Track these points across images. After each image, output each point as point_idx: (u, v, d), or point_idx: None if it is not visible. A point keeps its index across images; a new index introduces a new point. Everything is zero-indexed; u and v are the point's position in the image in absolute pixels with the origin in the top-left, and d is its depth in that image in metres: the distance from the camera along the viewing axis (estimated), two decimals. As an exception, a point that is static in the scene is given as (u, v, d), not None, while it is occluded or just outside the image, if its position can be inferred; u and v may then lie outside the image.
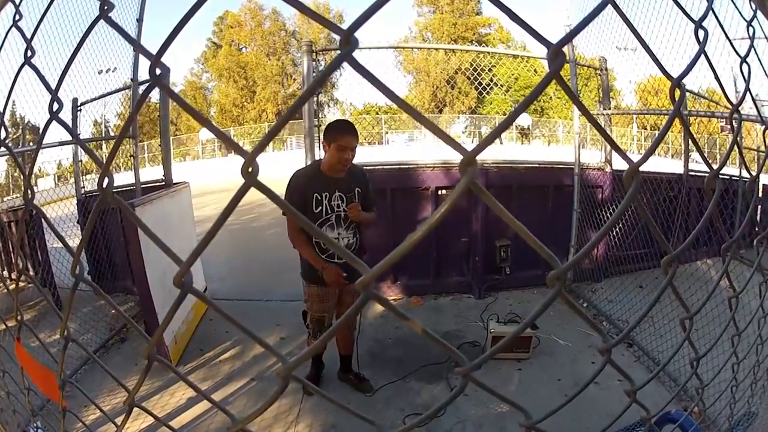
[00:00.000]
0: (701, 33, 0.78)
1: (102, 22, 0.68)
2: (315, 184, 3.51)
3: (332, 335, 0.57)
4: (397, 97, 0.46)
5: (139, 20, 5.38)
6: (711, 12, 0.84)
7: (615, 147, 0.60)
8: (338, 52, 0.45)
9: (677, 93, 0.66)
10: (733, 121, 1.06)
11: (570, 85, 0.52)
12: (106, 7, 0.66)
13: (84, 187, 6.10)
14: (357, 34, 0.44)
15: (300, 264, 3.77)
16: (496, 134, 0.47)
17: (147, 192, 5.37)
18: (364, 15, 0.43)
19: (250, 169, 0.45)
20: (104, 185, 0.61)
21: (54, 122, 0.81)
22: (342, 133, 3.40)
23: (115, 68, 5.61)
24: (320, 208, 3.50)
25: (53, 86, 0.80)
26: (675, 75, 0.68)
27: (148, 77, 0.55)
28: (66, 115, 5.48)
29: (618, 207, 0.62)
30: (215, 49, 38.20)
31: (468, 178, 0.45)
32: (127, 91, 5.73)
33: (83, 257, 5.81)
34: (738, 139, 1.03)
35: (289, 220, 3.49)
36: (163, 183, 5.70)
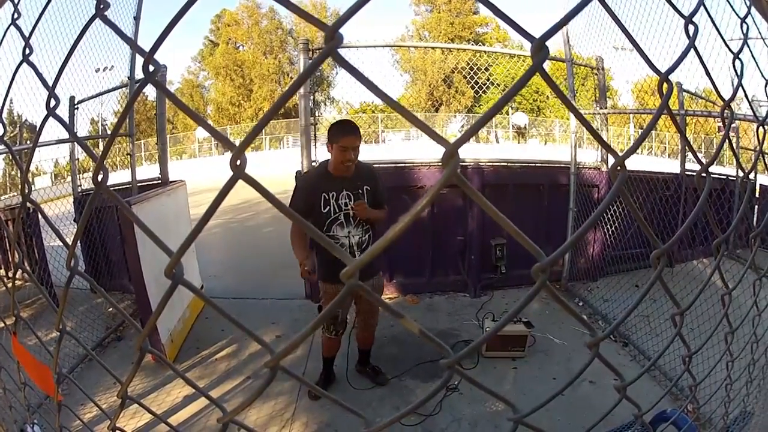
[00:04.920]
0: (691, 28, 0.79)
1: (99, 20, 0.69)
2: (322, 184, 3.57)
3: (320, 324, 0.58)
4: (381, 90, 0.47)
5: (137, 18, 5.39)
6: (702, 8, 0.85)
7: (597, 137, 0.61)
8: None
9: (665, 88, 0.66)
10: (725, 118, 1.07)
11: (553, 79, 0.53)
12: (102, 6, 0.67)
13: (81, 186, 6.09)
14: (353, 33, 0.45)
15: (317, 263, 3.79)
16: (477, 127, 0.47)
17: (144, 190, 5.36)
18: (348, 12, 0.44)
19: (238, 162, 0.46)
20: (99, 179, 0.61)
21: (51, 120, 0.81)
22: (342, 134, 3.45)
23: (112, 66, 5.61)
24: (328, 207, 3.55)
25: (50, 83, 0.80)
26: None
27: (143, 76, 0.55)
28: (63, 113, 5.47)
29: (613, 204, 0.62)
30: (212, 47, 38.18)
31: (450, 170, 0.45)
32: (124, 89, 5.72)
33: (80, 255, 5.81)
34: (731, 136, 1.03)
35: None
36: (160, 181, 5.70)
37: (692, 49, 0.78)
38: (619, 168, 0.57)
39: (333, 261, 3.59)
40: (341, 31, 0.43)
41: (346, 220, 3.59)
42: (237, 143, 0.49)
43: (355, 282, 0.49)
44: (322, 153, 5.60)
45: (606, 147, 0.61)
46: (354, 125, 3.57)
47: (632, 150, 0.59)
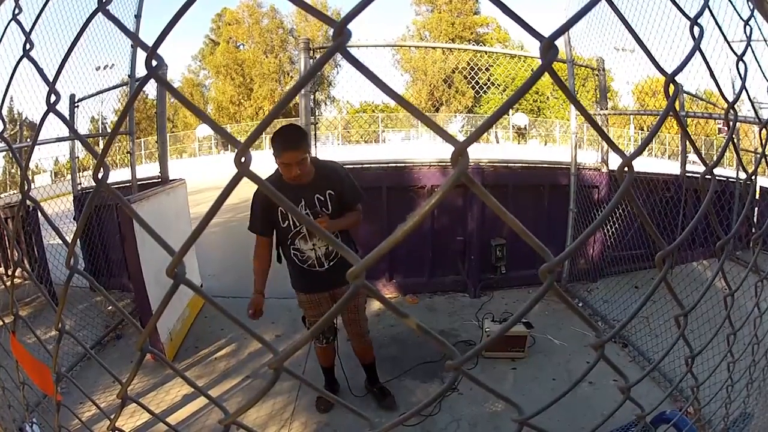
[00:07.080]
0: (696, 30, 0.79)
1: (100, 17, 0.68)
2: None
3: (321, 328, 0.57)
4: (389, 88, 0.47)
5: (137, 16, 5.38)
6: (708, 10, 0.84)
7: (605, 138, 0.60)
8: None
9: (671, 89, 0.66)
10: (728, 120, 1.06)
11: (562, 78, 0.52)
12: (104, 1, 0.66)
13: (80, 184, 6.09)
14: (354, 33, 0.44)
15: (290, 274, 3.63)
16: (487, 125, 0.47)
17: (143, 189, 5.36)
18: (357, 8, 0.44)
19: (242, 159, 0.45)
20: (99, 177, 0.61)
21: (51, 117, 0.81)
22: (281, 149, 3.00)
23: (113, 65, 5.61)
24: (287, 221, 3.30)
25: (51, 79, 0.80)
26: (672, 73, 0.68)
27: (145, 73, 0.55)
28: (63, 111, 5.43)
29: (612, 203, 0.62)
30: (213, 46, 38.23)
31: (459, 169, 0.45)
32: (124, 87, 5.71)
33: (79, 254, 5.81)
34: (734, 138, 1.02)
35: (257, 237, 3.52)
36: (160, 180, 5.70)
37: (696, 51, 0.77)
38: (626, 169, 0.56)
39: (302, 272, 3.45)
40: (349, 27, 0.43)
41: (309, 233, 3.27)
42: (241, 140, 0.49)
43: (361, 282, 0.49)
44: (321, 152, 5.59)
45: (613, 147, 0.61)
46: (294, 135, 3.06)
47: (640, 151, 0.59)
